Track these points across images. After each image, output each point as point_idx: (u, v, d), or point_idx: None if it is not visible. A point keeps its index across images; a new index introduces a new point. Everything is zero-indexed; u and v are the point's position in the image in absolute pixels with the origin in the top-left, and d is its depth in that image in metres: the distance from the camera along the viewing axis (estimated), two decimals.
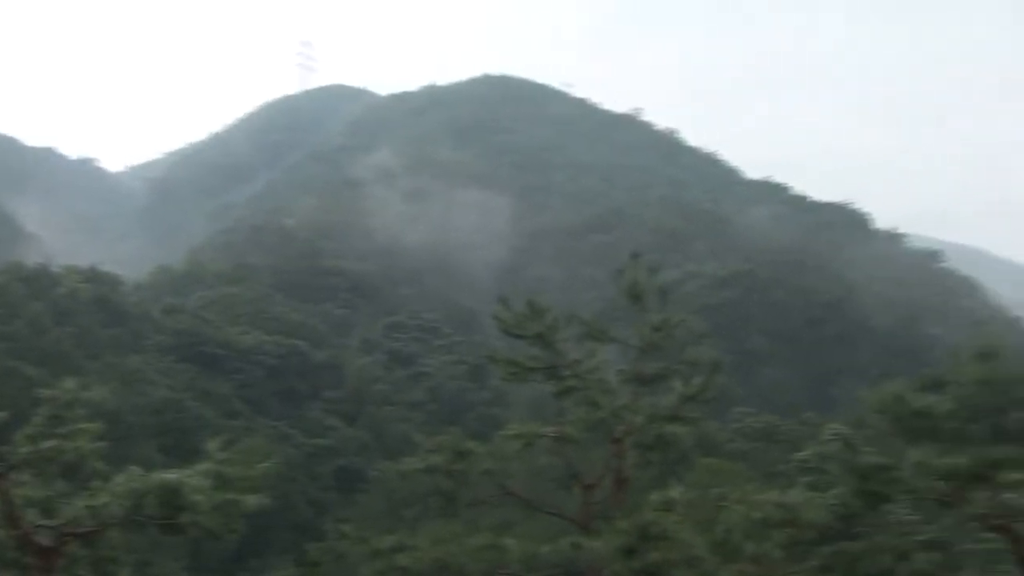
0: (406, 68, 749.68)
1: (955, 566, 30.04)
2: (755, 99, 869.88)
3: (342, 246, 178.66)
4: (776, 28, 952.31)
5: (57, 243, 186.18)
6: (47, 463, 21.17)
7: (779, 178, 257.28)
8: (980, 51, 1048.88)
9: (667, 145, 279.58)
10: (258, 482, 20.11)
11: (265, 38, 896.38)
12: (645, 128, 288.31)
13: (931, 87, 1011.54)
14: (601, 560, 21.90)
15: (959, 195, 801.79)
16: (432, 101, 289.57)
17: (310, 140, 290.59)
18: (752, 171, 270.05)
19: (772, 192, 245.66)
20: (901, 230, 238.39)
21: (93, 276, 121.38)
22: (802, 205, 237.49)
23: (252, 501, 19.65)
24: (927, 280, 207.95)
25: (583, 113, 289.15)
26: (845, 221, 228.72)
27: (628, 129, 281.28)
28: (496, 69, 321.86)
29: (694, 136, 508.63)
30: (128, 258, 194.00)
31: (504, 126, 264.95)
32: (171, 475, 19.48)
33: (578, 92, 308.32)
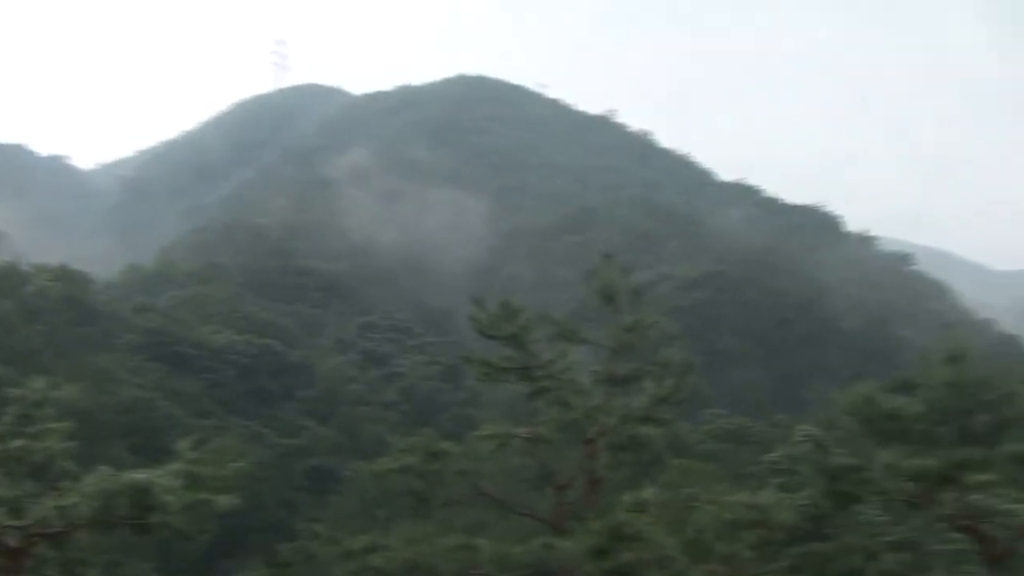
0: (380, 68, 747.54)
1: (923, 566, 30.30)
2: (728, 101, 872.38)
3: (315, 246, 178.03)
4: (749, 31, 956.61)
5: (26, 241, 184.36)
6: (16, 463, 21.04)
7: (752, 180, 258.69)
8: (950, 55, 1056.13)
9: (640, 146, 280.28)
10: (229, 482, 20.06)
11: (239, 37, 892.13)
12: (619, 129, 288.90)
13: (902, 91, 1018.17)
14: (573, 560, 21.96)
15: (929, 199, 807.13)
16: (406, 101, 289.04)
17: (283, 139, 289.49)
18: (725, 173, 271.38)
19: (744, 194, 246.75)
20: (872, 233, 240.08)
21: (63, 274, 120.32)
22: (774, 207, 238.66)
23: (223, 501, 19.60)
24: (897, 282, 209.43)
25: (557, 114, 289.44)
26: (816, 223, 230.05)
27: (602, 130, 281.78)
28: (471, 69, 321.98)
29: (667, 138, 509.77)
30: (99, 256, 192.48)
31: (478, 126, 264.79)
32: (141, 475, 19.40)
33: (552, 93, 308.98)
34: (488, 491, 25.47)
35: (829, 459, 25.77)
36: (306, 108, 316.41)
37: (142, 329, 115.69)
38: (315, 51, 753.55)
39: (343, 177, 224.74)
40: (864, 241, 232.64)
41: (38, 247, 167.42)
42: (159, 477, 19.42)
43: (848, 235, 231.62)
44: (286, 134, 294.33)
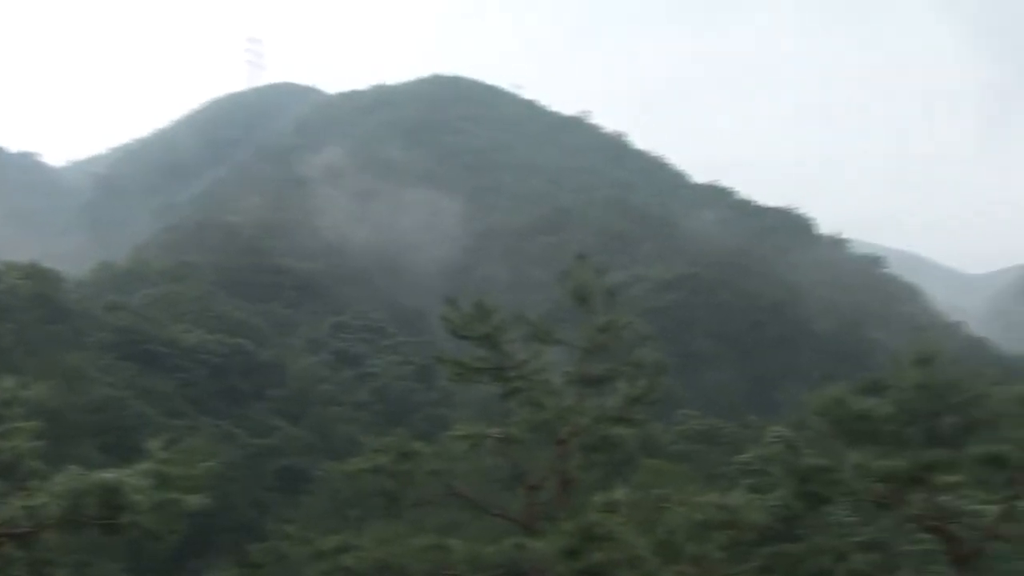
0: (355, 67, 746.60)
1: (892, 566, 30.49)
2: (701, 103, 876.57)
3: (288, 245, 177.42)
4: (722, 35, 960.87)
5: None
6: None
7: (725, 182, 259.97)
8: (925, 60, 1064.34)
9: (615, 148, 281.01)
10: (200, 482, 19.93)
11: (213, 35, 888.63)
12: (593, 131, 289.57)
13: (874, 95, 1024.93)
14: (545, 561, 21.96)
15: (901, 202, 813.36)
16: (381, 100, 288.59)
17: (257, 138, 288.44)
18: (699, 175, 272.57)
19: (718, 196, 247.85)
20: (844, 235, 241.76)
21: (33, 272, 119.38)
22: (747, 209, 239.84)
23: (193, 501, 19.47)
24: (869, 285, 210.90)
25: (532, 115, 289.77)
26: (789, 226, 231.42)
27: (576, 131, 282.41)
28: (446, 69, 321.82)
29: (642, 139, 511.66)
30: (70, 255, 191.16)
31: (453, 126, 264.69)
32: (111, 475, 19.24)
33: (527, 94, 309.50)
34: (460, 491, 25.44)
35: (800, 460, 25.88)
36: (281, 107, 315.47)
37: (113, 328, 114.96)
38: (290, 50, 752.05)
39: (317, 176, 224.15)
40: (837, 244, 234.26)
41: (9, 245, 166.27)
42: (129, 477, 19.26)
43: (821, 238, 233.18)
44: (260, 133, 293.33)
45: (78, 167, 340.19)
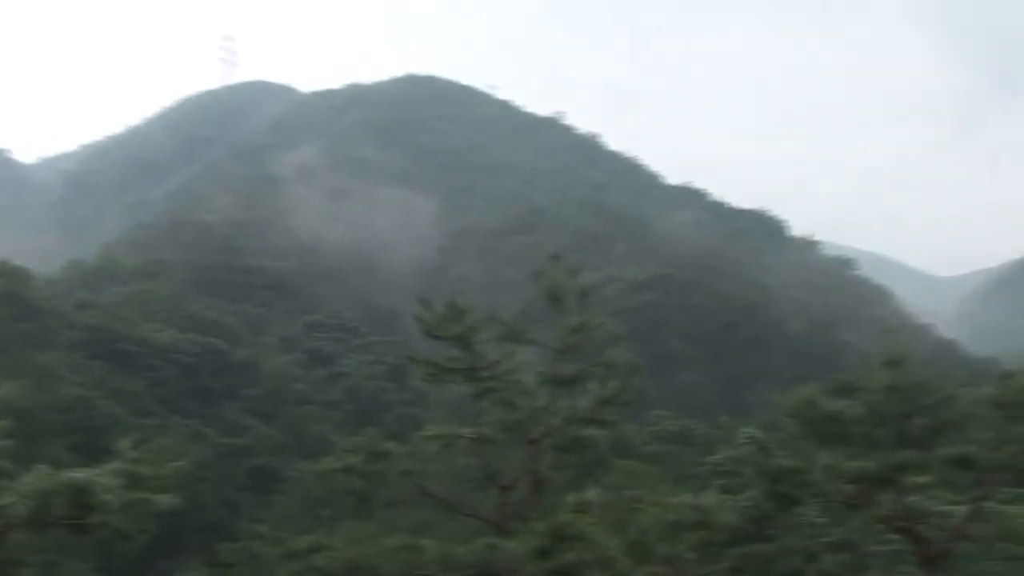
0: (330, 66, 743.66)
1: (861, 567, 30.70)
2: (675, 105, 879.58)
3: (261, 243, 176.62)
4: (695, 38, 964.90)
5: None
6: None
7: (698, 184, 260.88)
8: (893, 66, 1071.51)
9: (589, 148, 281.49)
10: (170, 481, 19.86)
11: (187, 31, 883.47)
12: (567, 131, 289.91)
13: (845, 98, 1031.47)
14: (516, 561, 21.98)
15: (871, 205, 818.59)
16: (356, 99, 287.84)
17: (231, 136, 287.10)
18: (672, 176, 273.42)
19: (691, 197, 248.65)
20: (816, 238, 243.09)
21: (2, 270, 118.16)
22: (720, 211, 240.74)
23: (163, 501, 19.40)
24: (840, 287, 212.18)
25: (506, 115, 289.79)
26: (762, 228, 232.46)
27: (550, 132, 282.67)
28: (420, 69, 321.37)
29: (616, 140, 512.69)
30: (40, 252, 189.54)
31: (428, 126, 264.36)
32: (80, 474, 19.14)
33: (502, 94, 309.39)
34: (432, 491, 25.44)
35: (771, 461, 26.04)
36: (254, 105, 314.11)
37: (83, 326, 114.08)
38: (264, 48, 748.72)
39: (291, 175, 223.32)
40: (808, 246, 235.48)
41: None
42: (98, 476, 19.16)
43: (792, 240, 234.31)
44: (234, 131, 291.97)
45: (49, 164, 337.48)
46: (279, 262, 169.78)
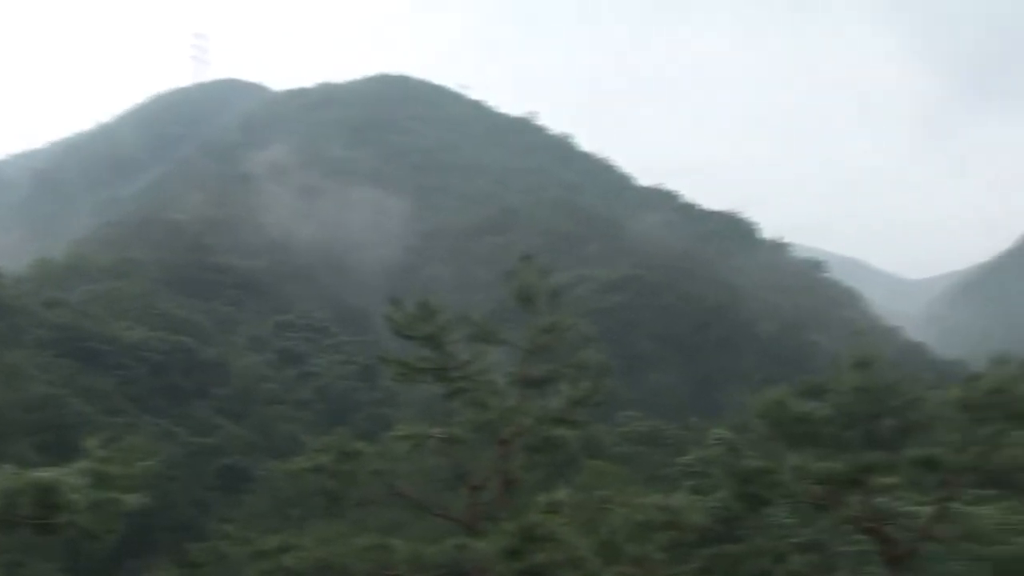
0: (302, 65, 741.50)
1: (829, 567, 30.90)
2: (648, 107, 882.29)
3: (232, 242, 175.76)
4: (668, 40, 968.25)
5: None
6: None
7: (670, 186, 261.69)
8: (864, 70, 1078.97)
9: (561, 149, 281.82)
10: (139, 480, 19.72)
11: (159, 29, 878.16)
12: (540, 132, 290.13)
13: (815, 101, 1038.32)
14: (486, 561, 22.00)
15: (841, 207, 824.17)
16: (328, 99, 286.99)
17: (202, 134, 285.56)
18: (644, 178, 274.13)
19: (663, 199, 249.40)
20: (786, 240, 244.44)
21: None
22: (692, 213, 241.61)
23: (132, 500, 19.26)
24: (810, 289, 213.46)
25: (479, 115, 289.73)
26: (733, 230, 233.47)
27: (523, 132, 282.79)
28: (393, 69, 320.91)
29: (588, 141, 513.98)
30: (8, 250, 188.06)
31: (400, 126, 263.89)
32: (47, 473, 18.98)
33: (474, 94, 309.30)
34: (403, 491, 25.41)
35: (740, 462, 26.19)
36: (226, 103, 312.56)
37: (52, 324, 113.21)
38: (236, 46, 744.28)
39: (262, 173, 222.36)
40: (779, 248, 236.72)
41: None
42: (66, 475, 19.00)
43: (763, 242, 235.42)
44: (205, 129, 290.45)
45: (16, 161, 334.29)
46: (250, 261, 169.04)
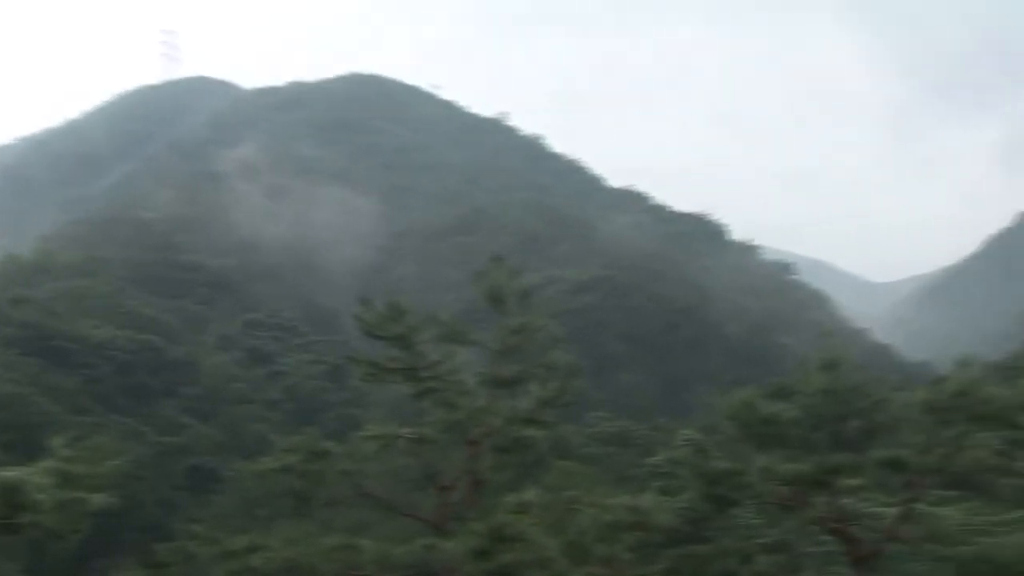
0: (272, 63, 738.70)
1: (795, 567, 31.07)
2: (618, 109, 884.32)
3: (201, 241, 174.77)
4: (638, 42, 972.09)
5: None
6: None
7: (640, 187, 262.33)
8: (832, 74, 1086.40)
9: (532, 150, 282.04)
10: (105, 480, 19.60)
11: (129, 26, 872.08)
12: (510, 132, 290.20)
13: (785, 105, 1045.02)
14: (455, 561, 22.01)
15: (810, 210, 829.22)
16: (298, 97, 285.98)
17: (171, 132, 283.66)
18: (614, 179, 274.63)
19: (633, 200, 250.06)
20: (755, 242, 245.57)
21: None
22: (662, 214, 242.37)
23: (98, 500, 19.15)
24: (778, 291, 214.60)
25: (450, 115, 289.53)
26: (702, 231, 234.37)
27: (494, 133, 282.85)
28: (364, 68, 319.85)
29: (559, 142, 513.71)
30: None
31: (371, 126, 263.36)
32: (11, 473, 18.84)
33: (445, 94, 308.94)
34: (371, 491, 25.37)
35: (708, 463, 26.30)
36: (195, 101, 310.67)
37: (18, 322, 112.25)
38: (206, 44, 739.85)
39: (232, 172, 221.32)
40: (748, 250, 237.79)
41: None
42: (31, 475, 18.88)
43: (733, 244, 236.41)
44: (174, 126, 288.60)
45: None
46: (219, 260, 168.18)
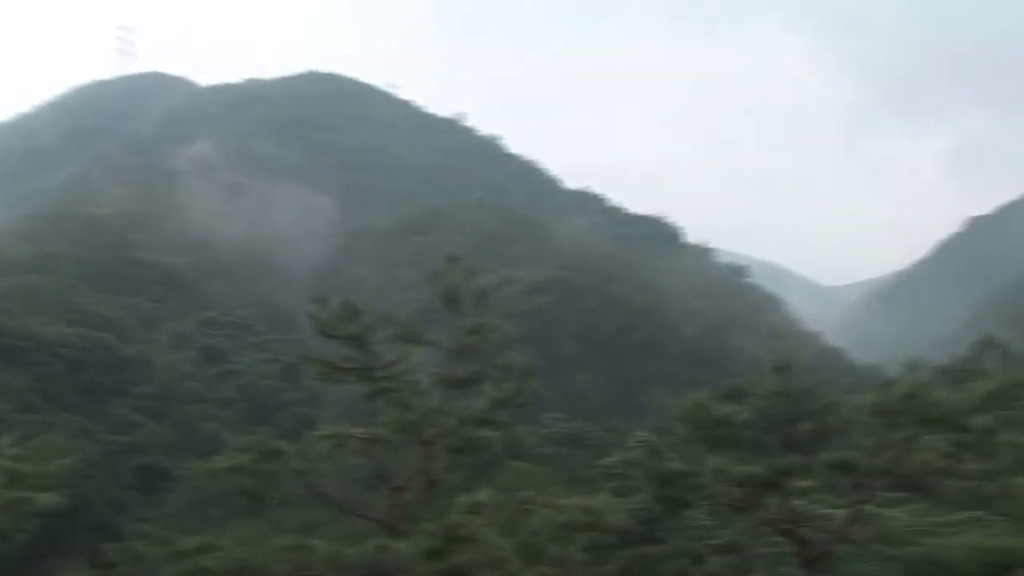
0: (229, 60, 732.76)
1: (746, 568, 31.32)
2: (574, 110, 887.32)
3: (155, 238, 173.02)
4: (594, 44, 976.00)
5: None
6: None
7: (596, 189, 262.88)
8: (786, 77, 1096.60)
9: (489, 150, 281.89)
10: (53, 479, 19.42)
11: (82, 19, 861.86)
12: (468, 133, 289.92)
13: (739, 108, 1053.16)
14: (408, 562, 21.98)
15: (764, 214, 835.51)
16: (254, 95, 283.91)
17: (124, 128, 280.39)
18: (570, 181, 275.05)
19: (590, 202, 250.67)
20: (711, 245, 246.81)
21: None
22: (618, 216, 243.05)
23: (46, 499, 18.97)
24: (732, 294, 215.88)
25: (407, 115, 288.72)
26: (657, 234, 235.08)
27: (451, 133, 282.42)
28: (321, 66, 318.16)
29: (516, 143, 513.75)
30: None
31: (327, 124, 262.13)
32: None
33: (403, 94, 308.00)
34: (324, 491, 25.28)
35: (661, 465, 26.44)
36: (149, 97, 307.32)
37: None
38: (162, 39, 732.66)
39: (186, 169, 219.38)
40: (702, 253, 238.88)
41: None
42: None
43: (687, 246, 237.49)
44: (128, 122, 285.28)
45: None
46: (173, 257, 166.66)
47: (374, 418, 25.39)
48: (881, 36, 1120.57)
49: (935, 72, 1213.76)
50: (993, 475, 29.26)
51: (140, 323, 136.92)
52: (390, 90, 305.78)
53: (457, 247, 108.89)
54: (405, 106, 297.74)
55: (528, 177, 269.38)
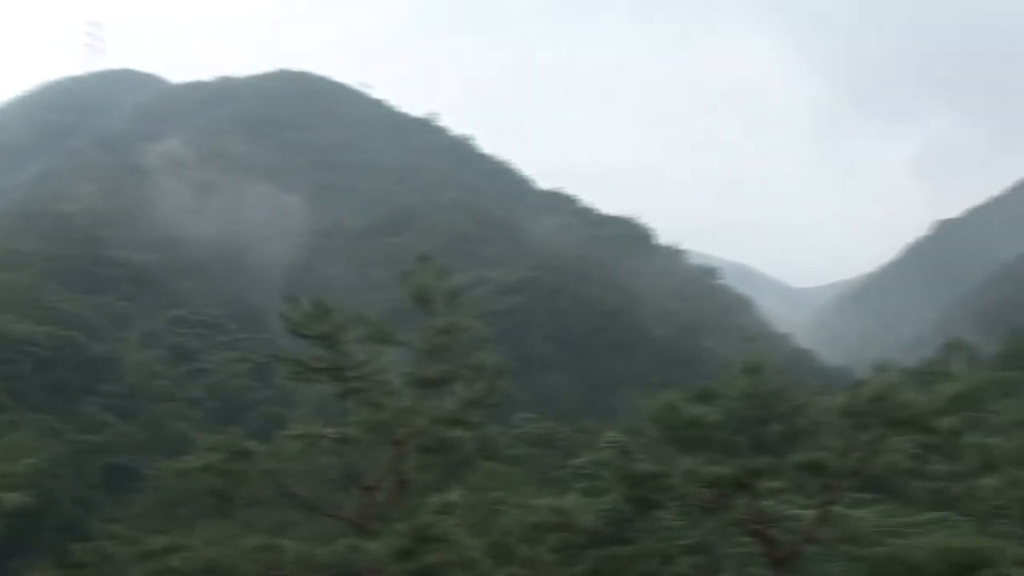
0: (200, 58, 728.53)
1: (715, 569, 31.48)
2: (547, 111, 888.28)
3: (125, 236, 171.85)
4: (568, 43, 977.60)
5: None
6: None
7: (569, 190, 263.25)
8: (758, 78, 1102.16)
9: (461, 150, 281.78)
10: (21, 479, 19.31)
11: (51, 15, 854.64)
12: (440, 133, 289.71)
13: (711, 110, 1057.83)
14: (378, 562, 21.96)
15: (735, 215, 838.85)
16: (225, 93, 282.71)
17: (94, 124, 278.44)
18: (543, 181, 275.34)
19: (562, 203, 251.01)
20: (682, 246, 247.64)
21: None
22: (590, 217, 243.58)
23: (12, 499, 18.85)
24: (704, 295, 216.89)
25: (379, 114, 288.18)
26: (629, 235, 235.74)
27: (423, 133, 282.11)
28: (294, 65, 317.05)
29: (488, 143, 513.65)
30: None
31: (299, 123, 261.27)
32: None
33: (375, 93, 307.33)
34: (295, 491, 25.21)
35: (631, 465, 26.55)
36: (120, 94, 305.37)
37: None
38: (133, 36, 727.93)
39: (157, 166, 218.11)
40: (674, 254, 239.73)
41: None
42: None
43: (659, 247, 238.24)
44: (98, 119, 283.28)
45: None
46: (143, 255, 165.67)
47: (345, 418, 25.34)
48: (851, 38, 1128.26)
49: (904, 74, 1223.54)
50: (959, 476, 29.60)
51: (109, 321, 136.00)
52: (362, 89, 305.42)
53: (429, 247, 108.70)
54: (377, 105, 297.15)
55: (500, 177, 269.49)
